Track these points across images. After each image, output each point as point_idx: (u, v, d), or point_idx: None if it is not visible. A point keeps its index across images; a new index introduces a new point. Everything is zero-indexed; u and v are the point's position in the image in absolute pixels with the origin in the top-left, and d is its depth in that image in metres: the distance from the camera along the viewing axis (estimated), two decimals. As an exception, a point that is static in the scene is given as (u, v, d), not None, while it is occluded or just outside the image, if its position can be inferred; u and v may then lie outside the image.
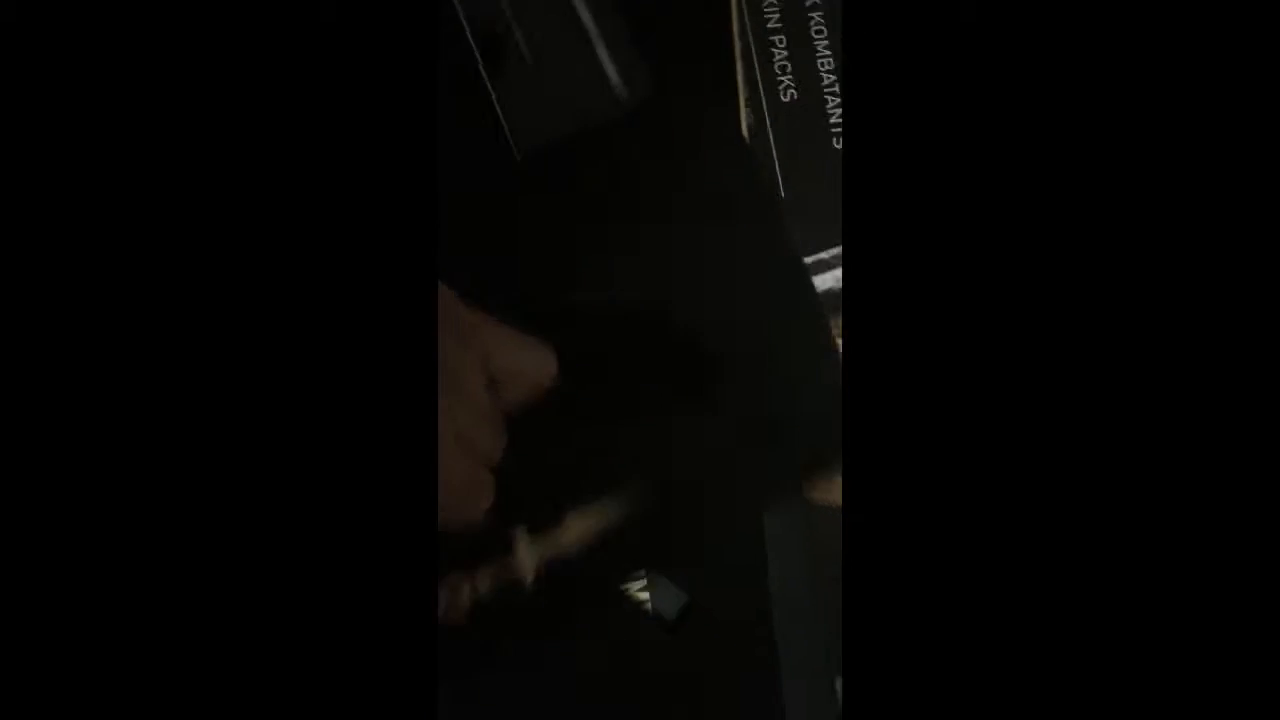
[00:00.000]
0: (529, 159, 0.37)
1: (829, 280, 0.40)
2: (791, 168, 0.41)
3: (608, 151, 0.37)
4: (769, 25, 0.42)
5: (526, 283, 0.36)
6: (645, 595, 0.36)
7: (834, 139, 0.41)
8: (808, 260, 0.40)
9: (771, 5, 0.42)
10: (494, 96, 0.36)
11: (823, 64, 0.42)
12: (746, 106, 0.40)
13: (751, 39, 0.41)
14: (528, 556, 0.32)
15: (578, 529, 0.33)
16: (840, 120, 0.41)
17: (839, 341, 0.38)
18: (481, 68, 0.36)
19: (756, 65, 0.41)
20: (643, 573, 0.35)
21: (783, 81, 0.42)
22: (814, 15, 0.42)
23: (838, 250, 0.40)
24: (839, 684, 0.38)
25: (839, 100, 0.41)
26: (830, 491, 0.36)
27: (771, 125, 0.41)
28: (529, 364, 0.34)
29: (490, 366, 0.32)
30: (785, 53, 0.42)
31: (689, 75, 0.38)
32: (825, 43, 0.42)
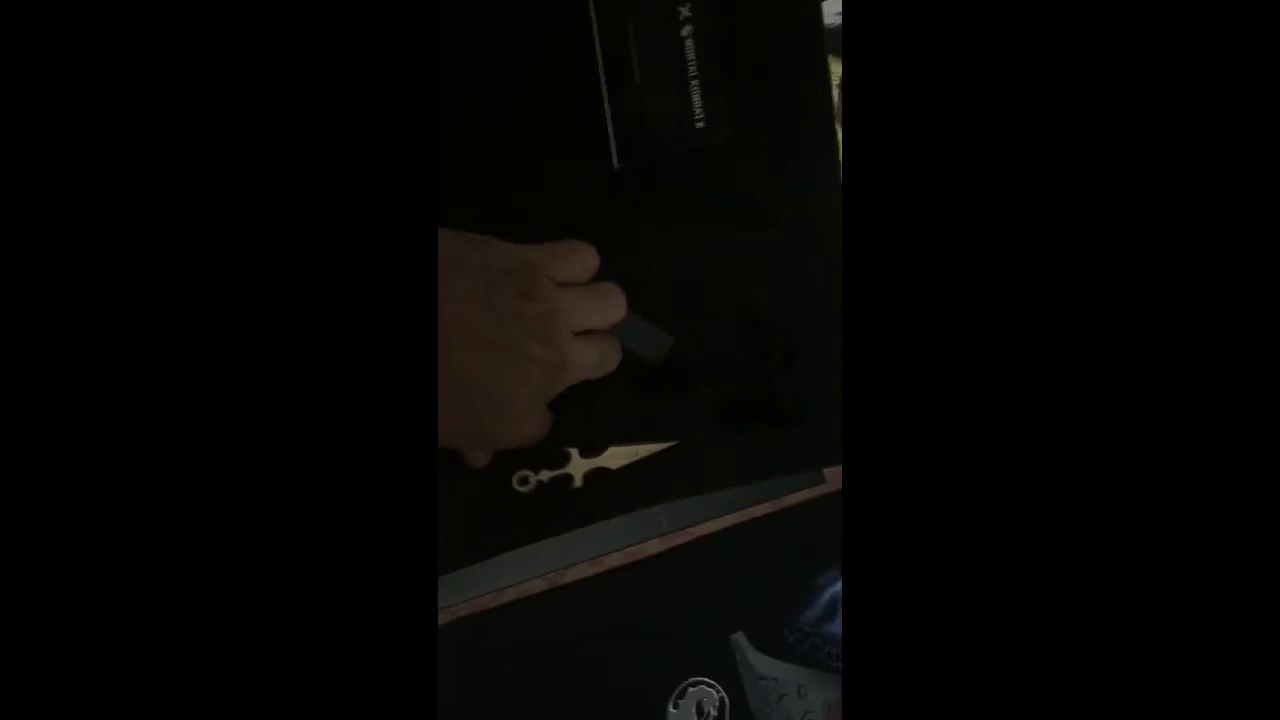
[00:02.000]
0: (625, 170, 0.41)
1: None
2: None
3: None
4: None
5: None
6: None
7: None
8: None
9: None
10: (608, 110, 0.40)
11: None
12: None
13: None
14: (576, 468, 0.41)
15: (621, 455, 0.41)
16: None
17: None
18: (603, 83, 0.40)
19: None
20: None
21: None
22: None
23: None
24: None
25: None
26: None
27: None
28: (573, 266, 0.37)
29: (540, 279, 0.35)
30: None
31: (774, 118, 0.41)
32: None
